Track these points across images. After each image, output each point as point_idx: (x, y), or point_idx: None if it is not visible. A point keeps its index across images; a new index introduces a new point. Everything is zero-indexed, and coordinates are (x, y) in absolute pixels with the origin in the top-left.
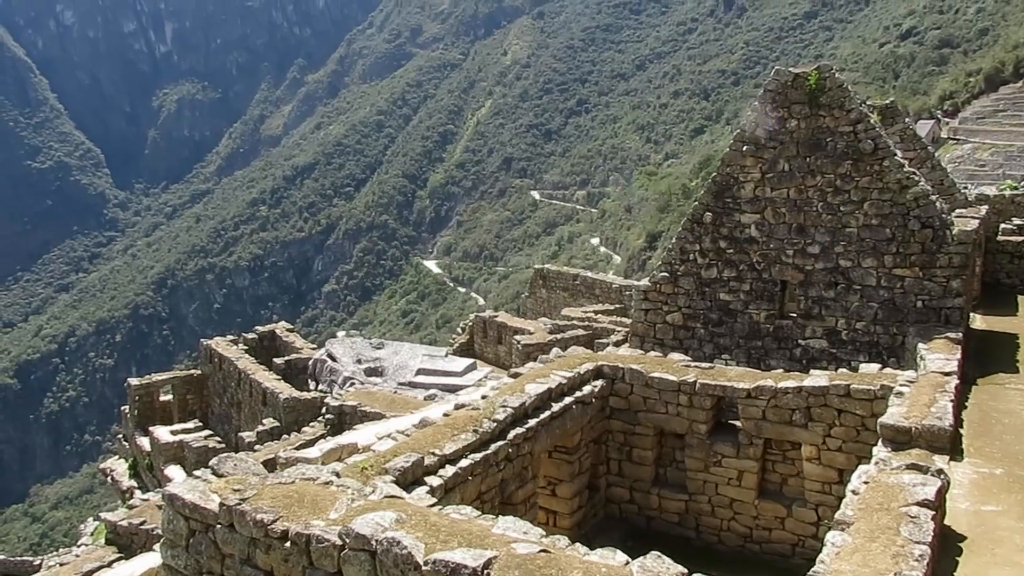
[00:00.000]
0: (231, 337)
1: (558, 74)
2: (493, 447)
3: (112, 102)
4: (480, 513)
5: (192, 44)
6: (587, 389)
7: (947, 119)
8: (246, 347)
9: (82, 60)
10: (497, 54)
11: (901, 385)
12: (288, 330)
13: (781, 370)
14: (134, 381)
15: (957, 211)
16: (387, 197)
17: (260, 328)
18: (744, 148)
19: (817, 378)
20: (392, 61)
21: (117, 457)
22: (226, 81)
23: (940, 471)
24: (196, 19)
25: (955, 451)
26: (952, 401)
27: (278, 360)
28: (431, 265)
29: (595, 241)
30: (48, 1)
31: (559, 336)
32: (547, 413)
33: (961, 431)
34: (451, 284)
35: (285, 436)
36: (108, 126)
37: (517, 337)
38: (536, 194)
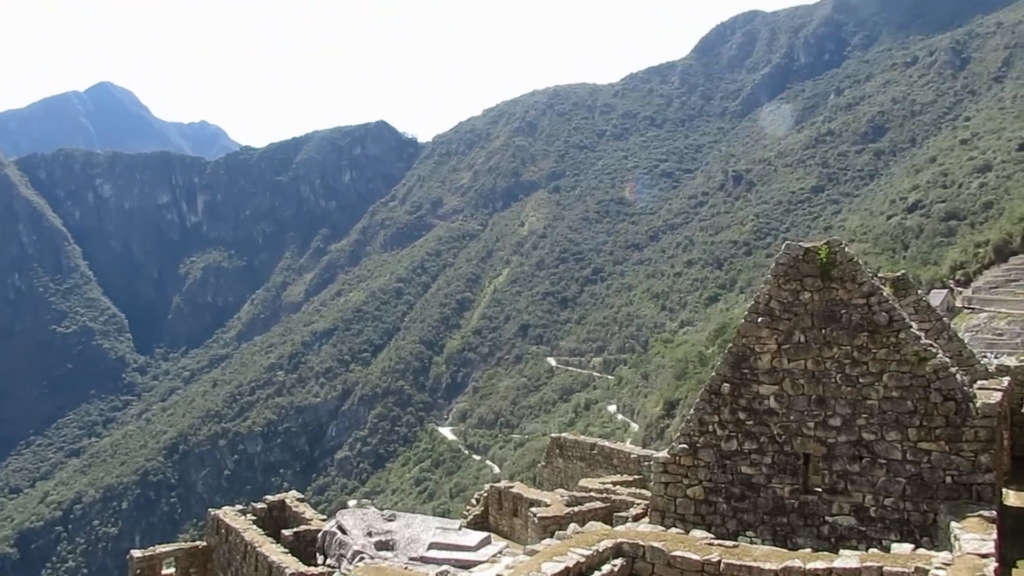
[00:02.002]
0: (240, 506)
1: (573, 244)
2: None
3: (141, 269)
4: None
5: (222, 215)
6: (606, 568)
7: (960, 288)
8: (255, 517)
9: (116, 229)
10: (514, 225)
11: (937, 568)
12: (299, 500)
13: (809, 549)
14: (136, 553)
15: (979, 383)
16: (404, 363)
17: (270, 497)
18: (759, 319)
19: (848, 559)
20: (413, 231)
21: None
22: (252, 249)
23: None
24: (228, 192)
25: None
26: None
27: (287, 532)
28: (446, 432)
29: (612, 408)
30: (88, 175)
31: (576, 509)
32: None
33: None
34: (466, 452)
35: None
36: (135, 292)
37: (533, 509)
38: (552, 361)
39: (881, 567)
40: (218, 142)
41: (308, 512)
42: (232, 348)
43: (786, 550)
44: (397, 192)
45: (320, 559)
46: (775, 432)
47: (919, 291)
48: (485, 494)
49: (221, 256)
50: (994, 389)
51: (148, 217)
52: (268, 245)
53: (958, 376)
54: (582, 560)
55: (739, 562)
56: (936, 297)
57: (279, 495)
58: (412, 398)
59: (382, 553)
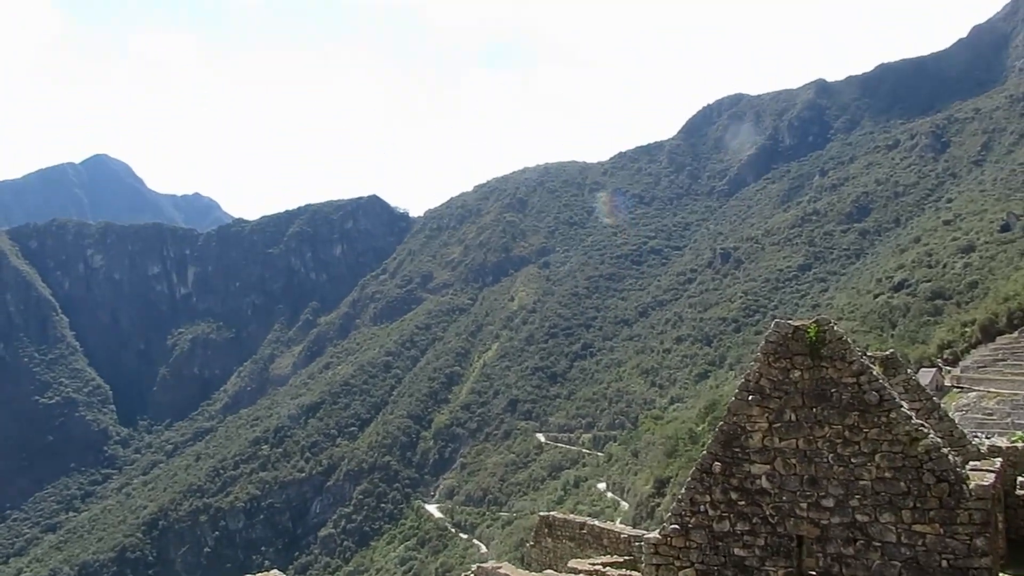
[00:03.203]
0: None
1: (563, 319)
2: None
3: (127, 340)
4: None
5: (212, 286)
6: None
7: (948, 367)
8: None
9: (105, 300)
10: (504, 300)
11: None
12: None
13: None
14: None
15: (971, 464)
16: (391, 438)
17: None
18: (750, 397)
19: None
20: (403, 305)
21: None
22: (241, 321)
23: None
24: (218, 264)
25: None
26: None
27: None
28: (432, 509)
29: (602, 486)
30: (80, 246)
31: None
32: None
33: None
34: (453, 530)
35: None
36: (120, 363)
37: None
38: (541, 437)
39: None
40: (211, 214)
41: None
42: (217, 421)
43: None
44: (388, 266)
45: None
46: (767, 513)
47: (908, 370)
48: (472, 575)
49: (210, 328)
50: (987, 471)
51: (137, 288)
52: (257, 317)
53: (951, 457)
54: None
55: None
56: (925, 376)
57: (260, 574)
58: (399, 474)
59: None
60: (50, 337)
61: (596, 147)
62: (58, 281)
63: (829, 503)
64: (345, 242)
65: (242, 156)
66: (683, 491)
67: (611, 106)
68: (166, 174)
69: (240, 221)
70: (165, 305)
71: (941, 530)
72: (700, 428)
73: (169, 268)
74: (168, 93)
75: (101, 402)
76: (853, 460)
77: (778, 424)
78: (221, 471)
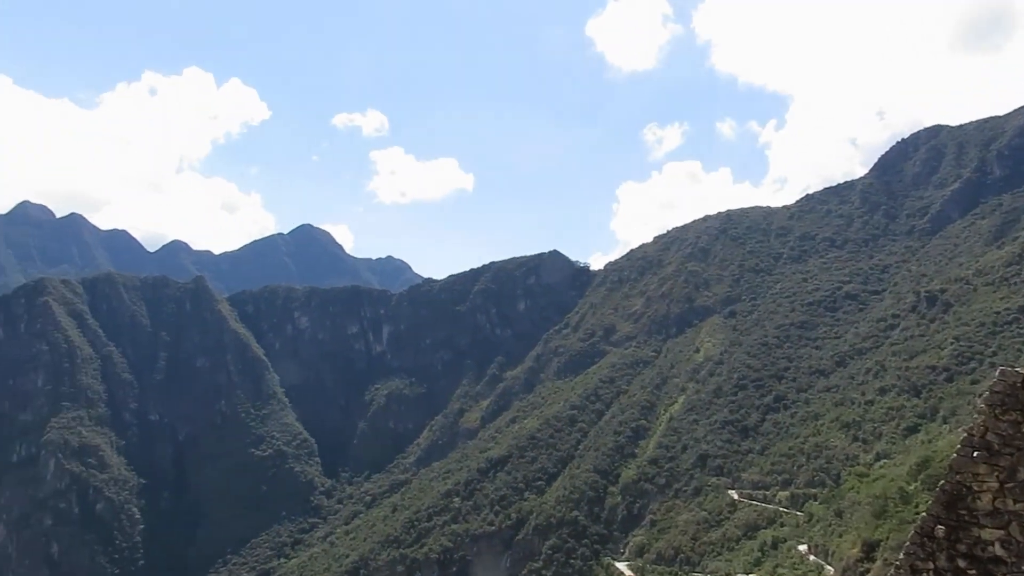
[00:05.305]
0: None
1: (753, 370)
2: None
3: (330, 396)
4: None
5: (404, 344)
6: None
7: None
8: None
9: (309, 358)
10: (689, 351)
11: None
12: None
13: None
14: None
15: None
16: (578, 492)
17: None
18: (975, 454)
19: None
20: (586, 358)
21: None
22: (431, 377)
23: None
24: (410, 323)
25: None
26: None
27: None
28: (623, 567)
29: (803, 548)
30: (288, 309)
31: None
32: None
33: None
34: None
35: None
36: (323, 418)
37: None
38: (734, 494)
39: None
40: (402, 275)
41: None
42: (411, 473)
43: None
44: (570, 320)
45: None
46: None
47: None
48: None
49: (403, 384)
50: None
51: (338, 347)
52: (446, 373)
53: None
54: None
55: None
56: None
57: None
58: (587, 529)
59: None
60: (263, 394)
61: (779, 191)
62: (270, 342)
63: None
64: (528, 298)
65: (429, 219)
66: (901, 557)
67: (794, 149)
68: (362, 240)
69: (429, 281)
70: (362, 363)
71: None
72: (912, 487)
73: (366, 327)
74: (363, 165)
75: (308, 455)
76: None
77: (1011, 484)
78: (416, 522)
